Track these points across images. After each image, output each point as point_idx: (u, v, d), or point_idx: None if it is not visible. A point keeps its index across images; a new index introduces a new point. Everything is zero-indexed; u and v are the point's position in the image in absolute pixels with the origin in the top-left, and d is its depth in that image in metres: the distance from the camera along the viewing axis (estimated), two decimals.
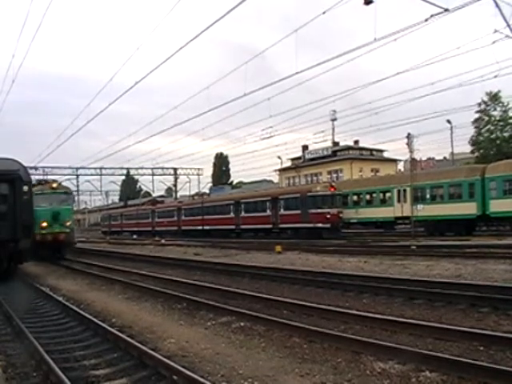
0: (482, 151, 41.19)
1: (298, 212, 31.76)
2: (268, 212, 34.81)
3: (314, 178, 56.47)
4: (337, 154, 57.14)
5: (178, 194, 65.72)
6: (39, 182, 26.07)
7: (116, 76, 40.87)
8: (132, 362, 5.94)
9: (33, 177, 34.34)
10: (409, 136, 29.05)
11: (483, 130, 41.49)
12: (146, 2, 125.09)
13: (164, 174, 65.19)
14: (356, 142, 58.54)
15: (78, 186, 60.73)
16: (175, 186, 65.76)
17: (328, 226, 30.52)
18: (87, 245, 36.78)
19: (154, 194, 74.18)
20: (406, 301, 9.27)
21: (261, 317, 7.90)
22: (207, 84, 37.01)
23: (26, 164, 16.42)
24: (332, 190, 31.95)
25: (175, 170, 63.72)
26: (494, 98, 40.65)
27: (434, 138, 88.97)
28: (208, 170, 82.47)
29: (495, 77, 21.91)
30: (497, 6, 13.22)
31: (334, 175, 54.36)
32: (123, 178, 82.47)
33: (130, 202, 78.45)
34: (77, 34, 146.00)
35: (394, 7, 78.82)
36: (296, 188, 40.71)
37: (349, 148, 58.07)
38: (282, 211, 33.61)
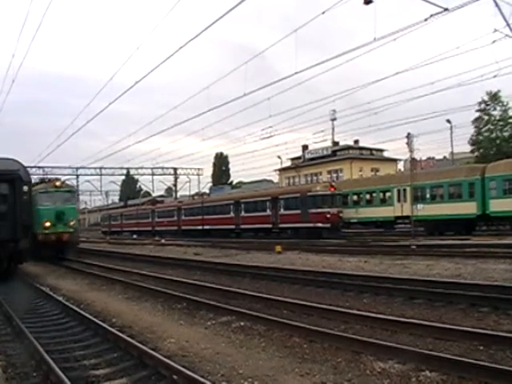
0: (481, 151, 41.19)
1: (298, 212, 31.76)
2: (268, 212, 34.80)
3: (314, 178, 56.47)
4: (337, 153, 57.14)
5: (178, 194, 65.73)
6: (42, 181, 25.56)
7: (116, 76, 40.96)
8: (132, 362, 5.94)
9: (35, 176, 34.28)
10: (409, 136, 29.06)
11: (483, 130, 41.50)
12: (146, 2, 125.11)
13: (164, 174, 65.21)
14: (356, 141, 58.52)
15: (77, 186, 60.66)
16: (175, 185, 65.79)
17: (328, 225, 30.52)
18: (87, 245, 36.72)
19: (153, 194, 74.24)
20: (406, 300, 9.27)
21: (261, 316, 7.90)
22: (207, 84, 37.02)
23: (26, 164, 16.43)
24: (332, 189, 31.94)
25: (175, 169, 63.72)
26: (494, 97, 40.66)
27: (433, 137, 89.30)
28: (208, 170, 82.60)
29: (495, 76, 21.92)
30: (496, 5, 13.22)
31: (334, 175, 54.36)
32: (123, 177, 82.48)
33: (129, 202, 78.44)
34: (77, 34, 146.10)
35: (393, 7, 78.77)
36: (296, 188, 40.71)
37: (349, 148, 58.06)
38: (281, 211, 33.61)
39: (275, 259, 18.49)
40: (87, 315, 8.49)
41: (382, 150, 58.02)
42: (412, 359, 5.39)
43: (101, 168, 59.37)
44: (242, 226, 37.75)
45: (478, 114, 41.61)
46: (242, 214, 37.64)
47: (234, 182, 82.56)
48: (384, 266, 14.30)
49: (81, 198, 70.21)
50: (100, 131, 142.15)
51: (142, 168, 62.64)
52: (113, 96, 22.85)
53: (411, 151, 29.52)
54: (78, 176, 60.96)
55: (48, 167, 53.10)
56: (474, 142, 42.55)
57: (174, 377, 5.12)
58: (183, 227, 45.86)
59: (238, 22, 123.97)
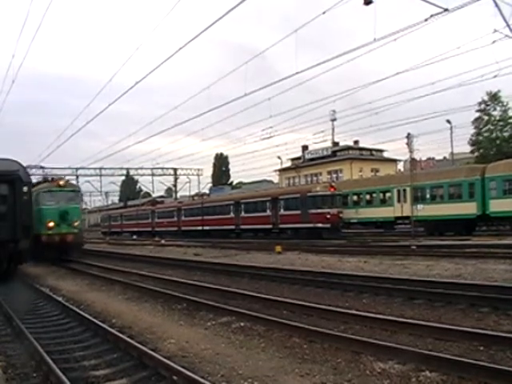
0: (481, 151, 41.22)
1: (298, 212, 31.76)
2: (268, 212, 34.80)
3: (314, 178, 56.49)
4: (337, 154, 57.15)
5: (178, 195, 65.69)
6: (45, 180, 24.79)
7: (116, 76, 40.92)
8: (132, 363, 5.94)
9: (36, 176, 34.02)
10: (409, 136, 29.09)
11: (483, 130, 41.52)
12: (146, 2, 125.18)
13: (164, 175, 65.12)
14: (356, 142, 58.56)
15: None
16: (175, 186, 65.69)
17: (328, 226, 30.51)
18: (87, 245, 36.62)
19: (153, 195, 74.24)
20: (405, 301, 9.27)
21: (261, 317, 7.90)
22: (207, 84, 37.05)
23: (26, 164, 16.37)
24: (332, 190, 31.94)
25: (175, 170, 63.66)
26: (494, 97, 40.68)
27: (433, 137, 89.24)
28: (208, 171, 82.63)
29: (495, 76, 21.92)
30: (496, 5, 13.24)
31: (334, 175, 54.37)
32: (123, 178, 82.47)
33: (129, 203, 78.44)
34: (77, 34, 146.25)
35: (393, 7, 78.93)
36: (296, 188, 40.71)
37: (349, 148, 58.08)
38: (281, 211, 33.60)
39: (275, 259, 18.49)
40: (87, 316, 8.49)
41: (381, 151, 58.05)
42: (412, 359, 5.39)
43: (100, 168, 59.30)
44: (242, 227, 37.73)
45: (478, 114, 41.70)
46: (242, 214, 37.64)
47: (234, 183, 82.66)
48: (384, 267, 14.30)
49: None
50: (100, 131, 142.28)
51: (141, 168, 62.60)
52: (113, 96, 22.86)
53: (411, 151, 29.58)
54: (77, 176, 60.80)
55: (48, 168, 53.08)
56: (473, 143, 42.58)
57: (174, 377, 5.12)
58: (183, 228, 45.86)
59: (238, 22, 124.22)
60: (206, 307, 9.19)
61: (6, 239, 14.18)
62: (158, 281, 13.85)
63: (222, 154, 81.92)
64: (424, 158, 47.07)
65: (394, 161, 57.39)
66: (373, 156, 58.48)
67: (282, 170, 62.65)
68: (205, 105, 35.50)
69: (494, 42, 16.37)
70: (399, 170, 54.38)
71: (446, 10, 13.06)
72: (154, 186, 68.54)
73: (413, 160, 30.97)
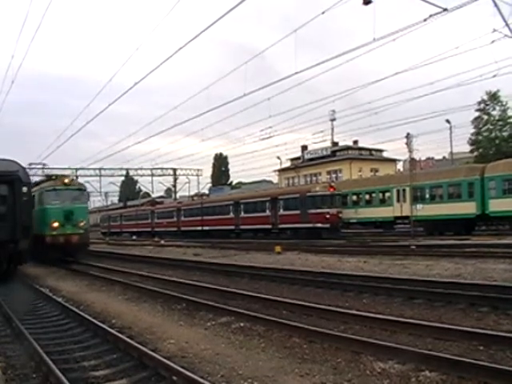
0: (481, 151, 41.27)
1: (298, 212, 31.76)
2: (267, 212, 34.80)
3: (314, 178, 56.50)
4: (336, 154, 57.15)
5: (178, 195, 65.69)
6: (49, 178, 23.58)
7: (115, 76, 40.67)
8: (132, 363, 5.94)
9: (37, 175, 33.61)
10: (408, 136, 29.09)
11: (482, 130, 41.57)
12: (146, 2, 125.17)
13: (163, 175, 65.09)
14: (355, 141, 58.54)
15: None
16: (174, 186, 65.66)
17: (327, 226, 30.53)
18: None
19: (153, 195, 74.22)
20: (405, 301, 9.27)
21: (260, 317, 7.90)
22: (207, 84, 37.13)
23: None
24: (331, 190, 31.95)
25: (174, 170, 63.64)
26: (493, 97, 40.72)
27: (433, 137, 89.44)
28: (207, 171, 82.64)
29: (494, 76, 21.92)
30: (495, 5, 13.24)
31: (334, 175, 54.38)
32: (122, 178, 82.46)
33: (129, 203, 78.43)
34: (76, 34, 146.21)
35: (392, 7, 78.97)
36: (295, 188, 40.72)
37: (348, 148, 58.07)
38: (281, 211, 33.61)
39: (274, 260, 18.50)
40: (87, 316, 8.49)
41: (381, 151, 58.06)
42: (412, 359, 5.39)
43: (100, 169, 59.24)
44: (242, 227, 37.73)
45: (477, 114, 41.75)
46: (242, 214, 37.64)
47: (234, 183, 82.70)
48: (383, 267, 14.31)
49: None
50: (100, 132, 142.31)
51: (141, 169, 62.57)
52: (112, 97, 22.81)
53: (410, 151, 29.57)
54: (77, 177, 60.83)
55: (47, 168, 53.05)
56: (473, 142, 42.63)
57: (174, 378, 5.12)
58: (183, 228, 45.86)
59: (238, 22, 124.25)
60: (206, 307, 9.19)
61: (5, 240, 14.18)
62: (157, 281, 13.85)
63: (221, 154, 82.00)
64: (423, 158, 47.19)
65: (394, 161, 57.41)
66: (372, 156, 58.50)
67: (282, 170, 62.66)
68: (204, 105, 35.59)
69: (493, 41, 16.40)
70: (398, 169, 54.44)
71: (445, 9, 13.06)
72: (153, 186, 68.59)
73: (412, 160, 30.98)
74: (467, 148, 44.64)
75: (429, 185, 28.74)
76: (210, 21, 14.47)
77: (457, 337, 6.27)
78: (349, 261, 16.19)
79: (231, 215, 38.65)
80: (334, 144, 58.81)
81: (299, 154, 61.38)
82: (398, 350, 5.66)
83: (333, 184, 34.14)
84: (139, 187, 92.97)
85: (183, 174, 64.04)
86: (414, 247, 19.42)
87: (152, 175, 64.34)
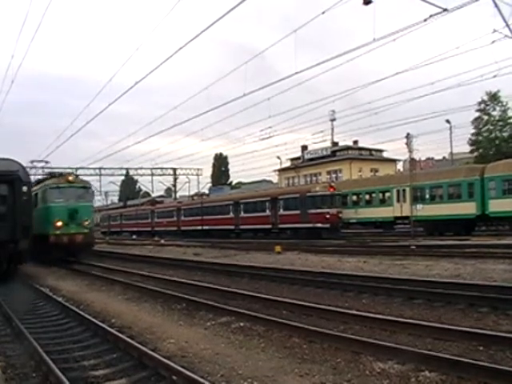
0: (481, 151, 41.26)
1: (298, 212, 31.76)
2: (267, 212, 34.80)
3: (314, 178, 56.50)
4: (336, 154, 57.16)
5: (178, 195, 65.69)
6: (53, 175, 23.02)
7: (115, 76, 40.79)
8: (131, 363, 5.94)
9: (39, 173, 33.35)
10: (408, 136, 29.10)
11: (482, 130, 41.56)
12: (146, 2, 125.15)
13: (163, 175, 65.07)
14: (355, 142, 58.57)
15: None
16: (174, 186, 65.65)
17: (327, 226, 30.53)
18: None
19: (153, 195, 74.18)
20: (405, 301, 9.28)
21: (260, 317, 7.90)
22: (207, 84, 37.14)
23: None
24: (331, 190, 31.95)
25: (174, 170, 63.63)
26: (494, 97, 40.71)
27: (433, 137, 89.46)
28: (207, 171, 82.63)
29: (494, 76, 21.97)
30: (496, 5, 13.25)
31: (334, 175, 54.38)
32: (122, 178, 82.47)
33: (129, 203, 78.43)
34: (76, 34, 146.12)
35: (393, 7, 78.97)
36: (295, 188, 40.73)
37: (348, 148, 58.08)
38: (281, 211, 33.62)
39: (274, 259, 18.50)
40: (87, 316, 8.49)
41: (381, 151, 58.07)
42: (411, 359, 5.40)
43: (100, 168, 59.21)
44: (242, 227, 37.74)
45: (477, 114, 41.74)
46: (242, 214, 37.65)
47: (234, 183, 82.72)
48: (383, 267, 14.31)
49: None
50: (100, 132, 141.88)
51: (141, 168, 62.55)
52: (112, 97, 22.84)
53: (410, 151, 29.57)
54: (77, 176, 60.79)
55: (47, 168, 53.05)
56: (473, 143, 42.62)
57: (174, 377, 5.13)
58: (183, 228, 45.86)
59: (238, 22, 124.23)
60: (206, 307, 9.19)
61: (5, 239, 14.17)
62: (157, 281, 13.85)
63: (221, 154, 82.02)
64: (423, 158, 47.19)
65: (394, 161, 57.41)
66: (372, 156, 58.51)
67: (282, 170, 62.67)
68: (204, 105, 35.64)
69: (493, 42, 16.42)
70: (398, 170, 54.45)
71: (445, 10, 13.07)
72: (153, 185, 68.55)
73: (412, 160, 30.99)
74: (467, 148, 44.67)
75: (429, 185, 28.74)
76: (210, 21, 14.50)
77: (456, 337, 6.27)
78: (349, 261, 16.19)
79: (231, 215, 38.66)
80: (334, 144, 58.82)
81: (299, 153, 61.41)
82: (398, 350, 5.66)
83: (333, 184, 34.15)
84: (139, 187, 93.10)
85: (183, 174, 64.05)
86: (413, 247, 19.43)
87: (152, 175, 64.34)
